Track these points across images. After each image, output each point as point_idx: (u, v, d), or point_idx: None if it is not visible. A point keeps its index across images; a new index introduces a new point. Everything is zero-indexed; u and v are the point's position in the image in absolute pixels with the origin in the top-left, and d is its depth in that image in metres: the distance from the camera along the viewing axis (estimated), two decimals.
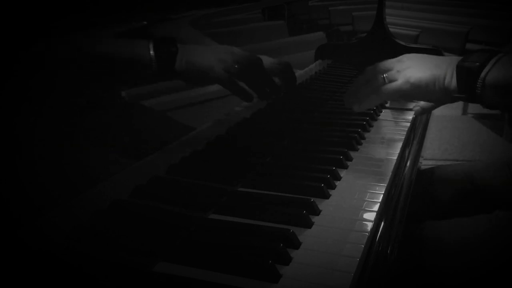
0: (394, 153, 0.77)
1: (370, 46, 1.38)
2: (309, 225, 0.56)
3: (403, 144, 0.82)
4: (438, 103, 0.76)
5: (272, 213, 0.57)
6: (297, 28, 1.01)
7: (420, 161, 0.91)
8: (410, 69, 0.75)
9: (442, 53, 1.36)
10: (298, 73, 0.98)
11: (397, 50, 1.39)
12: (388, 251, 0.56)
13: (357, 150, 0.78)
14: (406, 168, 0.76)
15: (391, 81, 0.75)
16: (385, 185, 0.66)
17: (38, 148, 0.40)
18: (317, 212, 0.59)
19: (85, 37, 0.45)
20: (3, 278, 0.37)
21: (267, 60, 0.77)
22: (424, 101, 0.76)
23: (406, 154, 0.81)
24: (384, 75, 0.76)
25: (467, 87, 0.69)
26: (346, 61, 1.24)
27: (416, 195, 0.79)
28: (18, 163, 0.38)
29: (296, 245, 0.52)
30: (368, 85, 0.77)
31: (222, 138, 0.68)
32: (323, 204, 0.60)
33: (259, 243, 0.51)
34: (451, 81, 0.71)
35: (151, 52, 0.49)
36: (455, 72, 0.71)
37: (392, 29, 1.42)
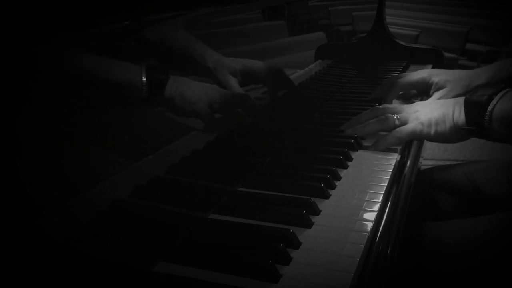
0: (394, 153, 0.77)
1: (370, 46, 1.39)
2: (309, 225, 0.56)
3: (402, 144, 0.82)
4: (450, 141, 0.79)
5: (272, 213, 0.57)
6: (297, 28, 1.01)
7: (420, 161, 0.91)
8: (419, 112, 0.80)
9: (442, 53, 1.36)
10: (298, 73, 0.98)
11: (397, 50, 1.40)
12: (388, 251, 0.56)
13: (357, 150, 0.78)
14: (406, 168, 0.76)
15: (402, 122, 0.80)
16: (385, 185, 0.66)
17: (38, 148, 0.40)
18: (317, 212, 0.59)
19: (79, 53, 0.45)
20: (3, 278, 0.37)
21: (259, 66, 0.79)
22: (438, 141, 0.80)
23: (406, 154, 0.81)
24: (396, 116, 0.80)
25: (475, 120, 0.73)
26: (346, 61, 1.24)
27: (416, 195, 0.79)
28: (18, 163, 0.38)
29: (296, 245, 0.52)
30: (379, 122, 0.82)
31: (222, 138, 0.68)
32: (323, 204, 0.60)
33: (259, 243, 0.51)
34: (460, 116, 0.75)
35: (143, 77, 0.50)
36: (463, 107, 0.75)
37: (392, 29, 1.43)
